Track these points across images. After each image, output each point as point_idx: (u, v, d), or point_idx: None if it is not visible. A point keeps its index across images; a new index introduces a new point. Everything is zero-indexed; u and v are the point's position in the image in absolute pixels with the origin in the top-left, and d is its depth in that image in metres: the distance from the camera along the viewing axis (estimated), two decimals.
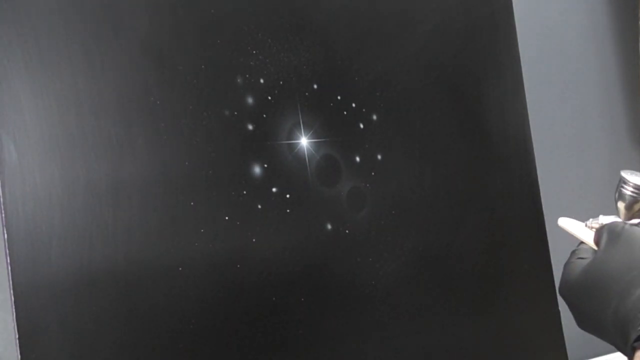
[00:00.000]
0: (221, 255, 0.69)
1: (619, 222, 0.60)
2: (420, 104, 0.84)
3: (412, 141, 0.83)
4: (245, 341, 0.69)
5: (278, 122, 0.74)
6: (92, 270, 0.63)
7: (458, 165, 0.86)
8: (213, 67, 0.71)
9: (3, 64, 0.61)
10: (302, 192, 0.74)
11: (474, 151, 0.88)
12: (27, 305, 0.60)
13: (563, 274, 0.62)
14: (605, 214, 0.62)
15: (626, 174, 0.61)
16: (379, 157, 0.80)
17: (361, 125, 0.79)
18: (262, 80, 0.73)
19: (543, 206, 0.93)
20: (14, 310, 0.59)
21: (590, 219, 0.63)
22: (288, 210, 0.73)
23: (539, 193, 0.93)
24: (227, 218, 0.70)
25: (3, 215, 0.60)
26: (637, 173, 0.62)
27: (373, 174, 0.79)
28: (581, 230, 0.63)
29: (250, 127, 0.72)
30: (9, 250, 0.60)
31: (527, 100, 0.95)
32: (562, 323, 0.92)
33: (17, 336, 0.59)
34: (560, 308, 0.92)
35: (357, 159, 0.79)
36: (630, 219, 0.61)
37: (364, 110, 0.80)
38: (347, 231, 0.77)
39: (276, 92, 0.74)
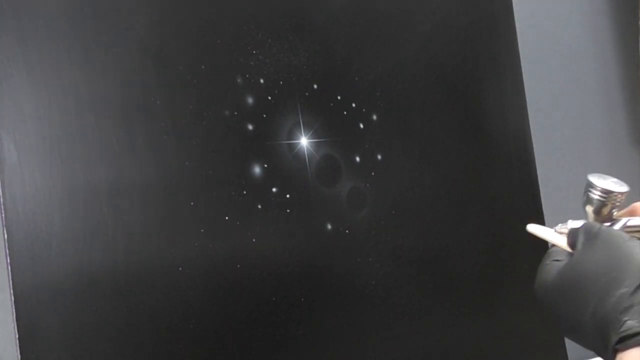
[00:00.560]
0: (221, 255, 0.69)
1: (595, 223, 0.58)
2: (420, 104, 0.84)
3: (412, 141, 0.83)
4: (245, 341, 0.69)
5: (278, 122, 0.74)
6: (92, 270, 0.63)
7: (458, 165, 0.86)
8: (213, 67, 0.71)
9: (3, 64, 0.61)
10: (302, 192, 0.74)
11: (474, 151, 0.88)
12: (27, 305, 0.60)
13: (538, 277, 0.60)
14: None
15: (593, 178, 0.60)
16: (379, 157, 0.80)
17: (361, 125, 0.79)
18: (262, 80, 0.73)
19: (543, 206, 0.93)
20: (14, 310, 0.59)
21: (559, 224, 0.61)
22: (288, 210, 0.73)
23: (539, 193, 0.93)
24: (227, 218, 0.70)
25: (3, 215, 0.60)
26: (605, 176, 0.60)
27: (373, 174, 0.79)
28: (552, 235, 0.62)
29: (250, 127, 0.72)
30: (9, 250, 0.60)
31: (527, 100, 0.95)
32: None
33: (17, 336, 0.59)
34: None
35: (357, 159, 0.79)
36: (601, 222, 0.59)
37: (364, 110, 0.80)
38: (347, 231, 0.77)
39: (276, 92, 0.74)
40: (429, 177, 0.84)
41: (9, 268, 0.59)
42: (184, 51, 0.69)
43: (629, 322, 0.49)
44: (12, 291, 0.59)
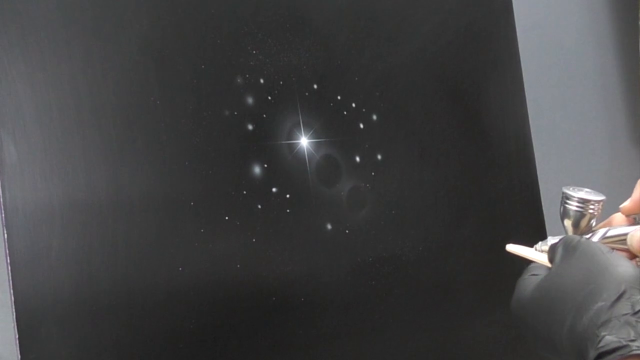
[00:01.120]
0: (221, 255, 0.69)
1: (575, 236, 0.57)
2: (420, 104, 0.84)
3: (412, 141, 0.83)
4: (245, 341, 0.69)
5: (278, 122, 0.74)
6: (91, 270, 0.63)
7: (458, 165, 0.86)
8: (213, 67, 0.71)
9: (3, 64, 0.61)
10: (302, 192, 0.74)
11: (474, 151, 0.88)
12: (27, 305, 0.60)
13: (515, 291, 0.58)
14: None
15: (568, 190, 0.59)
16: (379, 157, 0.80)
17: (361, 125, 0.79)
18: (262, 80, 0.73)
19: (543, 206, 0.93)
20: (14, 310, 0.59)
21: (540, 242, 0.60)
22: (288, 210, 0.73)
23: (539, 193, 0.93)
24: (227, 218, 0.70)
25: (3, 215, 0.60)
26: (579, 188, 0.59)
27: (373, 174, 0.79)
28: (532, 253, 0.61)
29: (250, 127, 0.72)
30: (9, 250, 0.60)
31: (527, 100, 0.95)
32: None
33: (17, 336, 0.59)
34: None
35: (357, 159, 0.79)
36: (580, 235, 0.58)
37: (364, 110, 0.80)
38: (347, 231, 0.77)
39: (276, 92, 0.74)
40: (429, 177, 0.84)
41: (9, 268, 0.59)
42: (184, 51, 0.69)
43: (607, 337, 0.47)
44: (12, 291, 0.59)
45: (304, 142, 0.75)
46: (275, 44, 0.75)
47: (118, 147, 0.65)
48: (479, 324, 0.85)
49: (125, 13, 0.67)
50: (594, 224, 0.58)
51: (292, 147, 0.74)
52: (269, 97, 0.74)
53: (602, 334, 0.47)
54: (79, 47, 0.65)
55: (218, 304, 0.68)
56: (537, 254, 0.60)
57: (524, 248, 0.62)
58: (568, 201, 0.58)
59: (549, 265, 0.58)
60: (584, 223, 0.58)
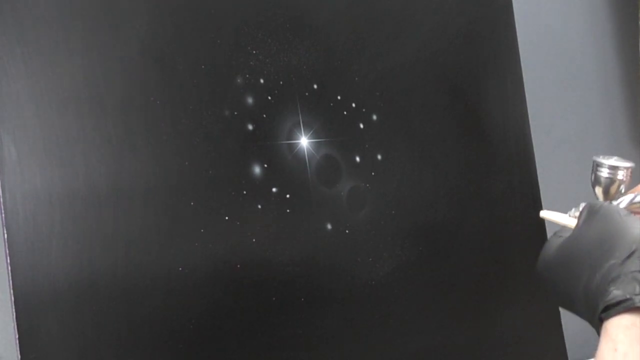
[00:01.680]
0: (221, 255, 0.69)
1: (598, 201, 0.61)
2: (420, 104, 0.84)
3: (412, 141, 0.83)
4: (245, 341, 0.69)
5: (278, 122, 0.74)
6: (92, 270, 0.63)
7: (458, 165, 0.86)
8: (213, 67, 0.71)
9: (3, 64, 0.61)
10: (302, 192, 0.74)
11: (474, 151, 0.88)
12: (27, 305, 0.60)
13: (542, 251, 0.63)
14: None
15: (599, 158, 0.62)
16: (379, 157, 0.80)
17: (361, 125, 0.79)
18: (262, 80, 0.73)
19: (543, 206, 0.93)
20: (14, 310, 0.59)
21: (573, 209, 0.64)
22: (288, 210, 0.73)
23: (539, 193, 0.93)
24: (227, 218, 0.70)
25: (3, 215, 0.60)
26: (608, 156, 0.63)
27: (373, 174, 0.79)
28: (564, 218, 0.65)
29: (250, 127, 0.72)
30: (9, 250, 0.60)
31: (527, 100, 0.95)
32: (562, 323, 0.92)
33: (17, 336, 0.59)
34: (560, 308, 0.92)
35: (357, 159, 0.79)
36: (610, 201, 0.61)
37: (364, 110, 0.80)
38: (347, 231, 0.77)
39: (276, 92, 0.74)
40: (429, 177, 0.84)
41: (9, 268, 0.59)
42: (184, 51, 0.69)
43: (614, 291, 0.51)
44: (12, 291, 0.59)
45: (304, 142, 0.75)
46: (275, 44, 0.75)
47: (118, 147, 0.65)
48: (479, 324, 0.85)
49: (125, 13, 0.67)
50: (622, 190, 0.62)
51: (292, 147, 0.74)
52: (269, 97, 0.74)
53: (611, 289, 0.51)
54: (79, 47, 0.65)
55: (218, 304, 0.68)
56: (568, 219, 0.64)
57: (557, 214, 0.66)
58: (599, 168, 0.62)
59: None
60: (613, 189, 0.61)
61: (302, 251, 0.74)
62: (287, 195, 0.73)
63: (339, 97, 0.78)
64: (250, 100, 0.72)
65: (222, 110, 0.71)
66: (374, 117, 0.80)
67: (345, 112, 0.78)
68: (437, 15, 0.87)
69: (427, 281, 0.81)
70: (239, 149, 0.71)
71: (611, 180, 0.61)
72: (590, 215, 0.58)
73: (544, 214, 0.67)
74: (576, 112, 1.15)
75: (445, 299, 0.83)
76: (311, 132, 0.76)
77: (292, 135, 0.75)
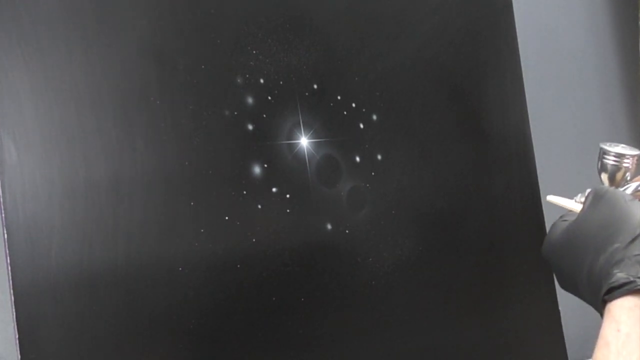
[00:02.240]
0: (221, 255, 0.69)
1: (604, 186, 0.62)
2: (420, 104, 0.84)
3: (412, 141, 0.83)
4: (245, 341, 0.69)
5: (278, 122, 0.74)
6: (92, 270, 0.63)
7: (458, 165, 0.86)
8: (213, 67, 0.71)
9: (3, 64, 0.61)
10: (302, 192, 0.74)
11: (474, 151, 0.88)
12: (27, 305, 0.60)
13: (547, 234, 0.64)
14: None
15: (605, 145, 0.64)
16: (379, 157, 0.80)
17: (361, 125, 0.79)
18: (262, 80, 0.73)
19: (543, 206, 0.93)
20: (14, 310, 0.59)
21: (579, 194, 0.65)
22: (288, 210, 0.73)
23: (539, 193, 0.93)
24: (227, 218, 0.70)
25: (3, 215, 0.60)
26: (615, 143, 0.64)
27: (373, 174, 0.79)
28: (570, 203, 0.66)
29: (250, 127, 0.72)
30: (9, 250, 0.60)
31: (527, 100, 0.95)
32: (562, 323, 0.92)
33: (17, 336, 0.59)
34: (560, 308, 0.92)
35: (357, 159, 0.79)
36: (615, 188, 0.62)
37: (364, 110, 0.80)
38: (347, 231, 0.77)
39: (276, 92, 0.74)
40: (429, 177, 0.84)
41: (9, 268, 0.59)
42: (184, 51, 0.69)
43: (618, 274, 0.52)
44: (12, 291, 0.59)
45: (304, 142, 0.75)
46: (275, 44, 0.75)
47: (118, 147, 0.65)
48: (479, 324, 0.85)
49: (125, 13, 0.67)
50: (628, 177, 0.63)
51: (292, 147, 0.74)
52: (269, 97, 0.74)
53: (615, 271, 0.52)
54: (79, 47, 0.65)
55: (218, 304, 0.68)
56: (574, 204, 0.65)
57: (564, 199, 0.67)
58: (605, 155, 0.63)
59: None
60: (619, 176, 0.63)
61: (302, 251, 0.74)
62: (287, 195, 0.73)
63: (339, 97, 0.78)
64: (250, 100, 0.72)
65: (222, 110, 0.71)
66: (374, 117, 0.80)
67: (345, 112, 0.78)
68: (437, 15, 0.87)
69: (427, 281, 0.81)
70: (239, 149, 0.71)
71: (617, 168, 0.62)
72: (596, 199, 0.59)
73: (550, 198, 0.68)
74: (576, 112, 1.15)
75: (445, 299, 0.83)
76: (311, 132, 0.76)
77: (292, 135, 0.75)
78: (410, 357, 0.79)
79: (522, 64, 0.94)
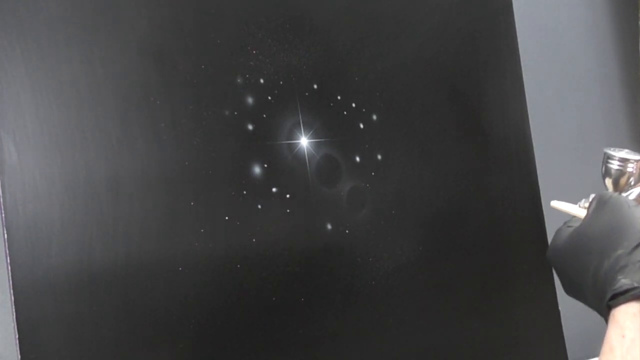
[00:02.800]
0: (221, 255, 0.69)
1: (608, 192, 0.62)
2: (420, 104, 0.84)
3: (412, 141, 0.83)
4: (246, 341, 0.69)
5: (278, 122, 0.74)
6: (92, 270, 0.63)
7: (458, 165, 0.86)
8: (213, 67, 0.71)
9: (3, 64, 0.61)
10: (302, 192, 0.74)
11: (474, 151, 0.88)
12: (27, 305, 0.60)
13: (552, 240, 0.64)
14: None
15: (610, 150, 0.64)
16: (379, 157, 0.80)
17: (361, 125, 0.79)
18: (262, 80, 0.73)
19: (543, 206, 0.93)
20: (14, 310, 0.59)
21: (583, 200, 0.65)
22: (288, 210, 0.73)
23: (539, 193, 0.93)
24: (227, 218, 0.70)
25: (3, 215, 0.60)
26: (619, 149, 0.64)
27: (373, 174, 0.79)
28: (574, 208, 0.66)
29: (250, 127, 0.72)
30: (9, 250, 0.60)
31: (527, 100, 0.95)
32: (562, 323, 0.92)
33: (17, 336, 0.59)
34: (560, 308, 0.92)
35: (357, 159, 0.79)
36: (619, 193, 0.63)
37: (364, 110, 0.80)
38: (347, 231, 0.77)
39: (276, 92, 0.74)
40: (429, 177, 0.84)
41: (9, 268, 0.59)
42: (184, 51, 0.69)
43: (622, 280, 0.53)
44: (12, 291, 0.59)
45: (304, 142, 0.75)
46: (275, 44, 0.75)
47: (118, 147, 0.65)
48: (479, 324, 0.85)
49: (125, 13, 0.67)
50: (632, 182, 0.63)
51: (292, 147, 0.74)
52: (269, 97, 0.74)
53: (619, 277, 0.53)
54: (79, 47, 0.65)
55: (218, 304, 0.68)
56: (578, 209, 0.66)
57: (568, 204, 0.68)
58: (609, 160, 0.64)
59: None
60: (623, 181, 0.63)
61: (302, 251, 0.74)
62: (287, 195, 0.73)
63: (339, 97, 0.78)
64: (250, 100, 0.72)
65: (222, 110, 0.71)
66: (374, 117, 0.80)
67: (345, 112, 0.78)
68: (437, 15, 0.87)
69: (427, 281, 0.81)
70: (239, 149, 0.71)
71: (621, 172, 0.63)
72: (600, 205, 0.60)
73: (554, 204, 0.69)
74: (576, 112, 1.15)
75: (445, 299, 0.83)
76: (311, 132, 0.76)
77: (292, 135, 0.75)
78: (410, 357, 0.79)
79: (522, 64, 0.94)
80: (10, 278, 0.59)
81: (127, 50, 0.67)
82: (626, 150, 0.64)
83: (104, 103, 0.65)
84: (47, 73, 0.63)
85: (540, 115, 1.04)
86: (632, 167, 0.63)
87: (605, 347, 0.52)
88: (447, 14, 0.88)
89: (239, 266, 0.70)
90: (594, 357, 1.05)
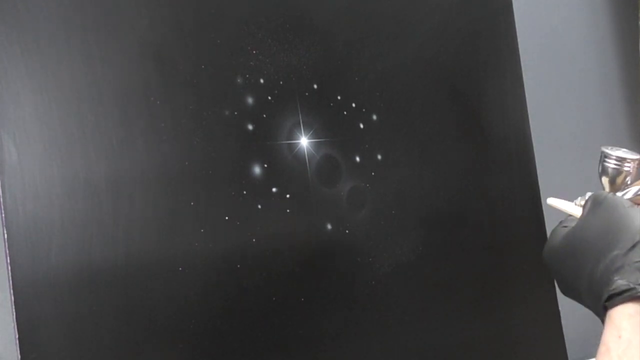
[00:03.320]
0: (221, 255, 0.69)
1: (603, 192, 0.62)
2: (420, 104, 0.84)
3: (412, 141, 0.83)
4: (245, 341, 0.69)
5: (278, 122, 0.74)
6: (92, 270, 0.63)
7: (458, 165, 0.86)
8: (213, 67, 0.71)
9: (3, 63, 0.61)
10: (302, 192, 0.74)
11: (474, 151, 0.88)
12: (27, 305, 0.60)
13: (547, 240, 0.64)
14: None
15: (607, 149, 0.64)
16: (379, 157, 0.80)
17: (361, 125, 0.79)
18: (262, 80, 0.73)
19: (543, 206, 0.93)
20: (14, 310, 0.59)
21: (579, 198, 0.65)
22: (288, 210, 0.73)
23: (539, 193, 0.93)
24: (227, 218, 0.70)
25: (3, 215, 0.60)
26: (617, 147, 0.64)
27: (373, 174, 0.79)
28: (570, 206, 0.66)
29: (250, 127, 0.72)
30: (9, 250, 0.60)
31: (527, 100, 0.95)
32: (562, 323, 0.92)
33: (17, 336, 0.59)
34: (560, 308, 0.92)
35: (357, 159, 0.79)
36: (615, 192, 0.62)
37: (364, 110, 0.80)
38: (347, 231, 0.77)
39: (276, 92, 0.74)
40: (429, 177, 0.84)
41: (9, 268, 0.59)
42: (184, 51, 0.69)
43: (618, 281, 0.53)
44: (12, 291, 0.59)
45: (304, 142, 0.75)
46: (275, 44, 0.75)
47: (118, 147, 0.65)
48: (479, 324, 0.85)
49: (125, 13, 0.67)
50: (629, 182, 0.63)
51: (292, 147, 0.74)
52: (269, 97, 0.74)
53: (615, 278, 0.53)
54: (79, 47, 0.65)
55: (218, 304, 0.68)
56: (574, 207, 0.65)
57: (564, 202, 0.67)
58: (606, 159, 0.64)
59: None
60: (619, 180, 0.63)
61: (302, 251, 0.74)
62: (287, 195, 0.73)
63: (339, 97, 0.78)
64: (250, 100, 0.72)
65: (222, 110, 0.71)
66: (374, 117, 0.80)
67: (345, 112, 0.78)
68: (437, 15, 0.87)
69: (427, 281, 0.81)
70: (239, 149, 0.71)
71: (618, 172, 0.62)
72: (595, 205, 0.60)
73: (551, 201, 0.68)
74: (576, 112, 1.15)
75: (445, 299, 0.83)
76: (311, 132, 0.76)
77: (292, 135, 0.75)
78: (410, 357, 0.79)
79: (522, 64, 0.94)
80: (10, 278, 0.59)
81: (127, 50, 0.67)
82: (623, 149, 0.64)
83: (104, 103, 0.65)
84: (47, 73, 0.63)
85: (540, 115, 1.04)
86: (629, 167, 0.63)
87: (602, 348, 0.52)
88: (447, 14, 0.88)
89: (239, 266, 0.70)
90: (593, 357, 1.05)
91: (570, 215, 0.65)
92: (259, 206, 0.72)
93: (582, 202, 0.64)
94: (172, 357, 0.66)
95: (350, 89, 0.79)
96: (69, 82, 0.64)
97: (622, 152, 0.63)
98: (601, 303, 0.54)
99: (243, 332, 0.69)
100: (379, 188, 0.79)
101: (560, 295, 0.89)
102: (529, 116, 0.94)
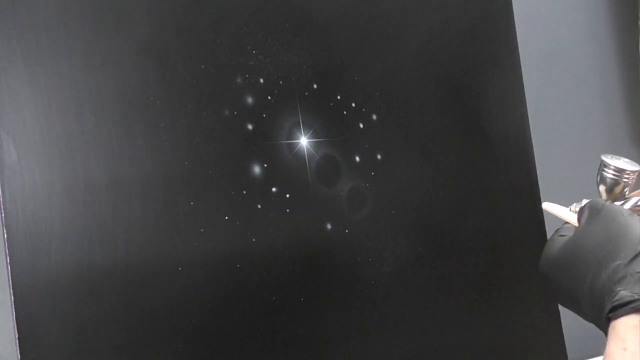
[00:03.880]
0: (221, 255, 0.69)
1: (601, 200, 0.61)
2: (420, 104, 0.84)
3: (412, 141, 0.83)
4: (245, 341, 0.69)
5: (278, 122, 0.74)
6: (92, 270, 0.63)
7: (458, 165, 0.86)
8: (213, 67, 0.71)
9: (3, 64, 0.61)
10: (302, 192, 0.74)
11: (474, 151, 0.88)
12: (27, 305, 0.60)
13: (544, 250, 0.63)
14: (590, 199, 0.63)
15: (607, 158, 0.63)
16: (379, 157, 0.80)
17: (361, 125, 0.79)
18: (262, 80, 0.73)
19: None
20: (14, 310, 0.59)
21: (575, 204, 0.64)
22: (288, 210, 0.73)
23: (539, 193, 0.93)
24: (227, 218, 0.70)
25: (3, 215, 0.60)
26: (617, 157, 0.63)
27: (373, 174, 0.79)
28: (566, 213, 0.65)
29: (250, 127, 0.72)
30: (9, 250, 0.60)
31: (527, 100, 0.95)
32: (562, 323, 0.92)
33: (17, 336, 0.59)
34: (560, 308, 0.92)
35: (357, 159, 0.79)
36: (613, 202, 0.61)
37: (364, 110, 0.80)
38: (347, 231, 0.77)
39: (276, 92, 0.74)
40: (429, 177, 0.84)
41: (9, 268, 0.59)
42: (184, 51, 0.69)
43: (622, 292, 0.52)
44: (12, 291, 0.59)
45: (304, 142, 0.75)
46: (275, 44, 0.75)
47: (118, 147, 0.65)
48: (479, 324, 0.85)
49: (125, 13, 0.67)
50: (627, 193, 0.62)
51: (292, 147, 0.74)
52: (269, 97, 0.74)
53: (618, 289, 0.52)
54: (79, 47, 0.65)
55: (218, 304, 0.68)
56: (569, 214, 0.64)
57: (560, 207, 0.66)
58: (605, 169, 0.62)
59: (578, 225, 0.62)
60: (618, 190, 0.62)
61: (302, 251, 0.74)
62: (287, 195, 0.73)
63: (339, 97, 0.78)
64: (250, 100, 0.72)
65: (222, 110, 0.71)
66: (374, 117, 0.80)
67: (345, 112, 0.78)
68: (437, 15, 0.87)
69: (427, 281, 0.81)
70: (239, 149, 0.71)
71: (616, 182, 0.61)
72: (593, 214, 0.59)
73: (546, 206, 0.68)
74: (576, 112, 1.15)
75: (445, 299, 0.83)
76: (311, 132, 0.76)
77: (292, 135, 0.75)
78: (410, 357, 0.79)
79: (522, 64, 0.94)
80: (10, 278, 0.59)
81: (127, 50, 0.67)
82: (624, 159, 0.63)
83: (104, 103, 0.65)
84: (47, 73, 0.63)
85: (540, 115, 1.04)
86: (628, 178, 0.61)
87: None
88: (447, 14, 0.88)
89: (239, 266, 0.70)
90: (593, 357, 1.05)
91: (567, 224, 0.64)
92: (259, 206, 0.72)
93: (578, 209, 0.63)
94: (172, 357, 0.66)
95: (350, 89, 0.79)
96: (68, 82, 0.64)
97: (622, 163, 0.62)
98: (604, 314, 0.53)
99: (243, 332, 0.69)
100: (379, 188, 0.79)
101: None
102: (529, 116, 0.94)
